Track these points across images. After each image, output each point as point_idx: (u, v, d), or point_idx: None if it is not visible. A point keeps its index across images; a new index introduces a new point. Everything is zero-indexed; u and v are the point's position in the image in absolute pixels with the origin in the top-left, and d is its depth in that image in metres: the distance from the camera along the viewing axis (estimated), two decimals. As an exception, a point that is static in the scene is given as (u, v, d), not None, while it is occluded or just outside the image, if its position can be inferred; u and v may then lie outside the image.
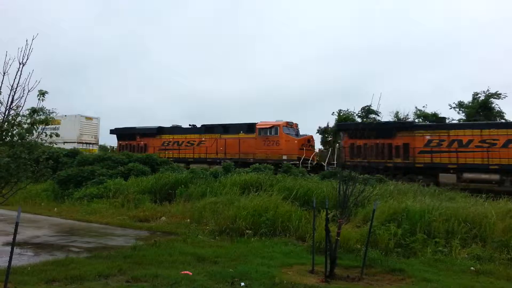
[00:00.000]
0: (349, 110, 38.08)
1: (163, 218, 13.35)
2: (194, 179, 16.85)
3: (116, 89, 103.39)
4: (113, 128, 35.23)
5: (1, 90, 5.87)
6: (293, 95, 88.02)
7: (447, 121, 31.41)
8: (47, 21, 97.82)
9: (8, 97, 5.92)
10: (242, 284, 6.34)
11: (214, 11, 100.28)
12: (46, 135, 6.31)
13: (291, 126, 26.01)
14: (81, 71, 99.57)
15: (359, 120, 36.73)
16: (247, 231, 10.58)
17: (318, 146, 32.50)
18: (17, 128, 6.14)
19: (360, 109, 37.57)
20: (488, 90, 33.64)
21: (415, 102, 78.44)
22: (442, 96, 71.01)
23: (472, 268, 7.74)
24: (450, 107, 36.90)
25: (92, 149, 37.83)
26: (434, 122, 25.40)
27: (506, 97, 32.43)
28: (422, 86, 71.86)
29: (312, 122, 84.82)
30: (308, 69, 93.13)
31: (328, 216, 7.90)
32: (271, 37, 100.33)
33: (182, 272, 6.84)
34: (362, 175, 8.13)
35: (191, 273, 6.80)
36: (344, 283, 6.82)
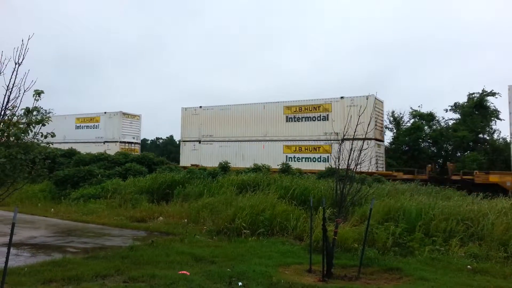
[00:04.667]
0: None
1: (161, 218, 13.33)
2: (191, 179, 16.85)
3: (129, 86, 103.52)
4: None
5: None
6: (314, 92, 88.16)
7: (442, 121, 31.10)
8: (64, 18, 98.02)
9: (4, 97, 5.89)
10: (240, 283, 6.33)
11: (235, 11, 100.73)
12: (42, 135, 6.27)
13: None
14: (96, 68, 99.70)
15: None
16: (245, 231, 10.58)
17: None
18: (13, 129, 6.11)
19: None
20: (483, 90, 33.61)
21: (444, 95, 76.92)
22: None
23: (469, 266, 7.76)
24: (445, 111, 36.90)
25: (135, 149, 35.48)
26: None
27: (501, 96, 32.41)
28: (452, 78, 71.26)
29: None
30: (328, 66, 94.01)
31: (326, 215, 7.91)
32: (290, 35, 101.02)
33: (180, 272, 6.83)
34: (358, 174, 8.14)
35: (188, 273, 6.80)
36: (342, 282, 6.83)
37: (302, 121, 25.68)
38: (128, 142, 35.33)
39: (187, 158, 29.84)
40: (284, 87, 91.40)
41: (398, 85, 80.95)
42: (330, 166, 19.82)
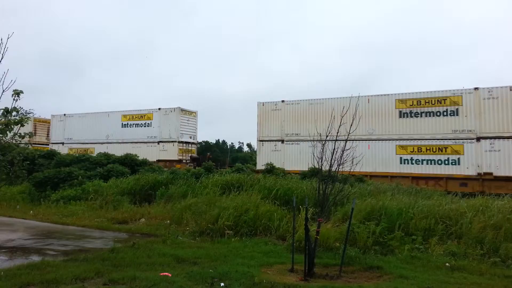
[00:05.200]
0: None
1: (143, 219, 13.20)
2: (174, 179, 16.74)
3: (118, 87, 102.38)
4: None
5: None
6: (306, 92, 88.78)
7: None
8: (53, 18, 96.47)
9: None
10: (222, 284, 6.33)
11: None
12: (19, 136, 6.17)
13: None
14: (85, 68, 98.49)
15: None
16: (228, 232, 10.57)
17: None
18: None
19: None
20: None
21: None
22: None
23: (447, 264, 7.93)
24: None
25: (192, 150, 31.36)
26: None
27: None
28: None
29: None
30: (319, 67, 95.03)
31: (308, 215, 7.97)
32: (281, 37, 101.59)
33: (161, 274, 6.78)
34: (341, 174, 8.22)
35: (170, 275, 6.75)
36: (323, 281, 6.89)
37: (421, 116, 22.11)
38: (185, 142, 30.93)
39: (266, 160, 25.38)
40: (276, 88, 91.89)
41: (390, 85, 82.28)
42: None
